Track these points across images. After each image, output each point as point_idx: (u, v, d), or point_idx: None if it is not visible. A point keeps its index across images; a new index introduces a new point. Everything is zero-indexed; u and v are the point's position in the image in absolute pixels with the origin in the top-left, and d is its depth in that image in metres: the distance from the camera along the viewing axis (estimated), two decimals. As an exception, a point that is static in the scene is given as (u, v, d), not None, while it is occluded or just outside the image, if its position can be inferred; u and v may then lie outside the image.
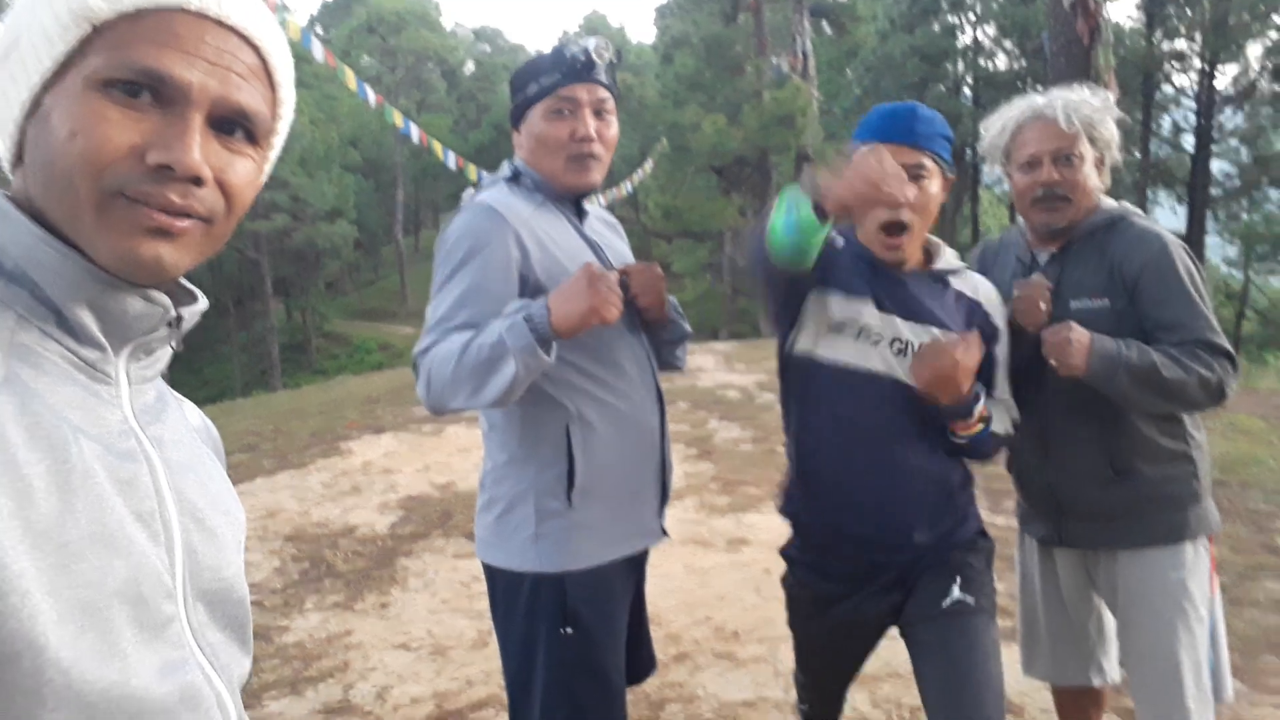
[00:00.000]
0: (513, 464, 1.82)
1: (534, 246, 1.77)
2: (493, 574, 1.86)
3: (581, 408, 1.79)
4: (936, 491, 1.91)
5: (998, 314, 1.99)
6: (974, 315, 1.95)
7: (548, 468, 1.78)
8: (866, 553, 1.93)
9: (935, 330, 1.87)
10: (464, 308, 1.70)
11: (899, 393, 1.86)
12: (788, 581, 2.13)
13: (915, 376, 1.82)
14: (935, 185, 1.85)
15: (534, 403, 1.78)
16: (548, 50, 1.90)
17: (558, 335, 1.61)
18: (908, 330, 1.87)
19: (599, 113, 1.85)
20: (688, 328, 2.03)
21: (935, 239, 2.00)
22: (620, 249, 2.03)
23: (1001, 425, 1.95)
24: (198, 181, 0.71)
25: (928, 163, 1.82)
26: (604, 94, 1.85)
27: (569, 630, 1.75)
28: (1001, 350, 2.00)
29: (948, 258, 1.99)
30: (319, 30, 43.16)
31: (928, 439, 1.89)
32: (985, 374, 1.94)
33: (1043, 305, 2.00)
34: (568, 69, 1.81)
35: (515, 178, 1.88)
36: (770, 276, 1.82)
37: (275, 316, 32.63)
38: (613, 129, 1.89)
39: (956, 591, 1.85)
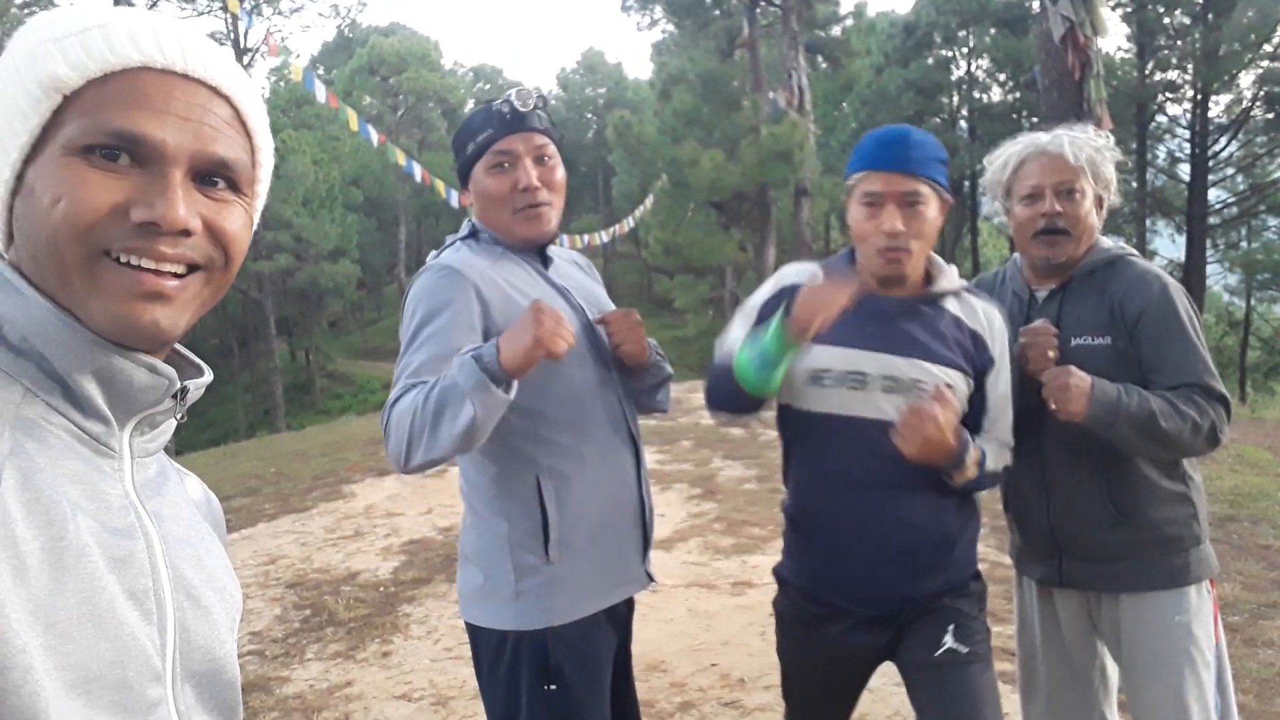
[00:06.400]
0: (488, 521, 1.81)
1: (494, 296, 1.76)
2: (475, 632, 1.84)
3: (551, 460, 1.78)
4: (931, 546, 1.87)
5: (997, 343, 1.92)
6: (968, 344, 1.89)
7: (521, 523, 1.77)
8: (855, 603, 1.91)
9: (923, 364, 1.83)
10: (429, 370, 1.68)
11: (890, 440, 1.77)
12: (779, 602, 2.09)
13: (905, 451, 1.75)
14: (932, 210, 1.85)
15: (502, 458, 1.78)
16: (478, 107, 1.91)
17: (508, 373, 1.56)
18: (896, 366, 1.83)
19: (540, 159, 1.83)
20: (669, 369, 2.00)
21: (939, 261, 1.97)
22: (593, 290, 2.01)
23: (998, 462, 1.90)
24: (186, 234, 0.71)
25: (923, 189, 1.82)
26: (541, 140, 1.84)
27: (552, 687, 1.74)
28: (995, 382, 1.92)
29: (949, 278, 1.94)
30: (320, 71, 43.63)
31: (922, 489, 1.84)
32: (975, 410, 1.91)
33: (1051, 354, 1.98)
34: (499, 123, 1.82)
35: (473, 234, 1.90)
36: (742, 405, 1.92)
37: (279, 357, 32.62)
38: (558, 173, 1.87)
39: (950, 640, 1.83)
